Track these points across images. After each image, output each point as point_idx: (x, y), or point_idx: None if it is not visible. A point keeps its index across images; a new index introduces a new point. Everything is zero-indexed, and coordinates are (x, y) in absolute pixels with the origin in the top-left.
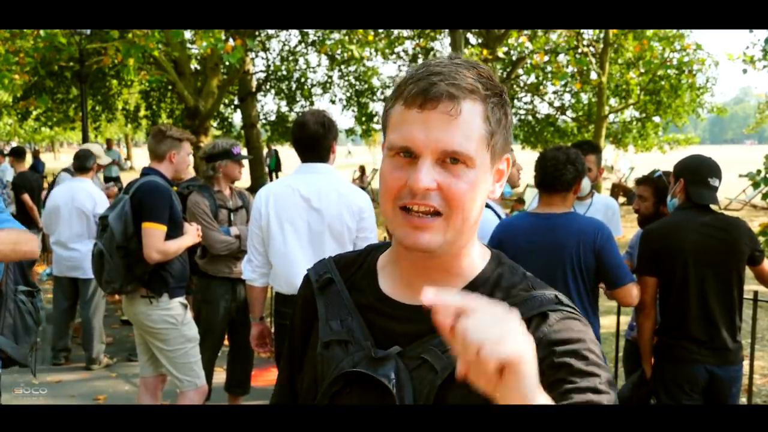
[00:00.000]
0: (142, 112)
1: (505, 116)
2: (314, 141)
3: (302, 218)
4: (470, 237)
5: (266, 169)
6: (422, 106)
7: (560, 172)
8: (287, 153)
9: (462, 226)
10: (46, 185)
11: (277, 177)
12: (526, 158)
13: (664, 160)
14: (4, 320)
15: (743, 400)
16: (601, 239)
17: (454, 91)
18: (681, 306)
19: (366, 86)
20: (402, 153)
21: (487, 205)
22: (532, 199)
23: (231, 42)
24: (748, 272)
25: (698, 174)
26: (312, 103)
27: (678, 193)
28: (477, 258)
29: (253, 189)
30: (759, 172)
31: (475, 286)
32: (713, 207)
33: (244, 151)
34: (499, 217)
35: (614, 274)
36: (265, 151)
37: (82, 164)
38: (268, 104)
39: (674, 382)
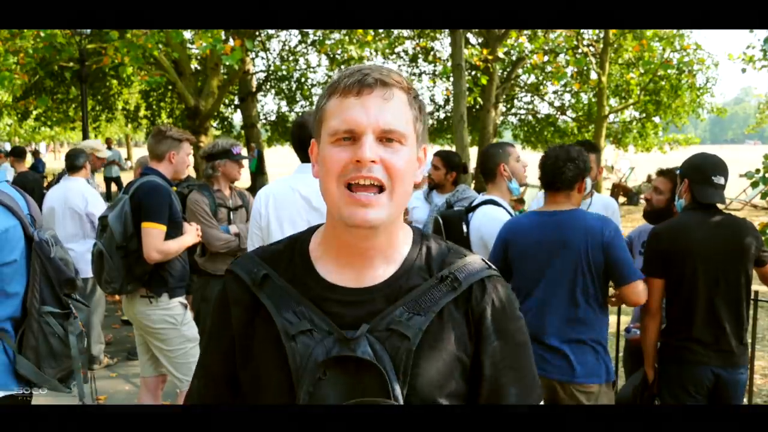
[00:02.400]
0: (142, 112)
1: (423, 107)
2: None
3: (302, 218)
4: (401, 214)
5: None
6: (359, 93)
7: (560, 170)
8: (280, 153)
9: (401, 199)
10: (46, 184)
11: (257, 180)
12: (527, 158)
13: (664, 160)
14: (27, 341)
15: (743, 400)
16: (609, 234)
17: (386, 79)
18: (688, 308)
19: None
20: (344, 137)
21: (500, 204)
22: (532, 198)
23: (231, 42)
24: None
25: (702, 173)
26: (312, 103)
27: (684, 193)
28: (403, 234)
29: (253, 189)
30: (758, 171)
31: (410, 260)
32: (719, 206)
33: (244, 152)
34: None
35: (622, 270)
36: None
37: (72, 163)
38: (268, 104)
39: (679, 384)
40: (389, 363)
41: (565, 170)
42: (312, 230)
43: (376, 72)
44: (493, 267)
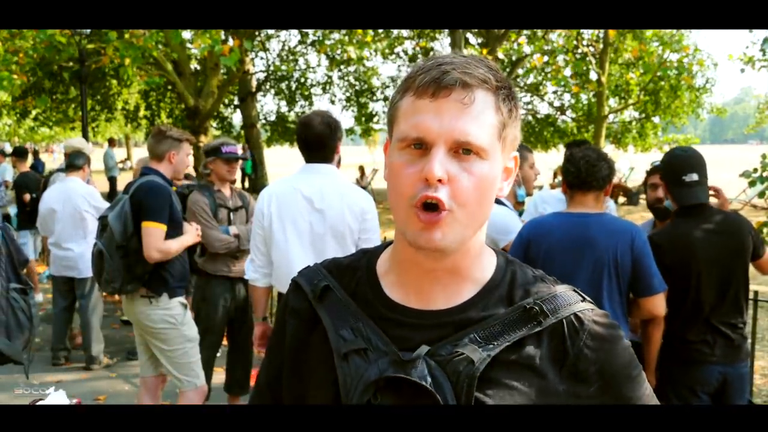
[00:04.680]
0: (142, 112)
1: (516, 108)
2: (320, 141)
3: (304, 219)
4: (480, 236)
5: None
6: (434, 94)
7: (595, 168)
8: (280, 153)
9: (471, 221)
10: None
11: (249, 182)
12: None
13: None
14: None
15: (749, 395)
16: (639, 242)
17: (467, 80)
18: (693, 310)
19: (365, 86)
20: (414, 144)
21: (504, 204)
22: (531, 199)
23: (230, 42)
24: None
25: (672, 173)
26: (311, 104)
27: (667, 194)
28: (486, 259)
29: (252, 189)
30: (755, 170)
31: (491, 287)
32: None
33: (241, 152)
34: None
35: (650, 280)
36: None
37: (71, 162)
38: (268, 104)
39: (685, 384)
40: (450, 391)
41: (600, 169)
42: (385, 245)
43: (457, 69)
44: (588, 298)
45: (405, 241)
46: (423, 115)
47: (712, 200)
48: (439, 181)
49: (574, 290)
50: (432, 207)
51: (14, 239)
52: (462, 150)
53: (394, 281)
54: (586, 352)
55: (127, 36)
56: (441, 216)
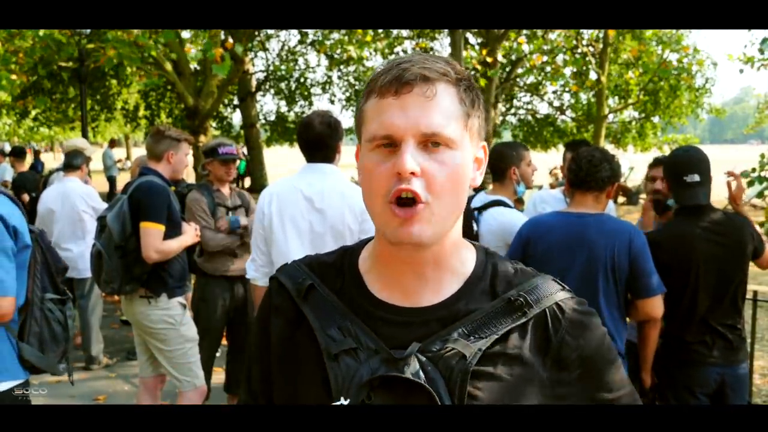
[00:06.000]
0: (141, 112)
1: (478, 99)
2: (321, 141)
3: (304, 218)
4: (457, 227)
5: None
6: (397, 92)
7: (596, 169)
8: (280, 153)
9: (448, 212)
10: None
11: (242, 183)
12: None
13: None
14: (30, 328)
15: (747, 396)
16: (637, 243)
17: (427, 74)
18: (691, 311)
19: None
20: (383, 143)
21: (508, 204)
22: (528, 198)
23: (229, 40)
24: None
25: (673, 173)
26: (311, 104)
27: (669, 192)
28: (465, 251)
29: (253, 189)
30: (753, 170)
31: (473, 281)
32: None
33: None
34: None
35: (647, 282)
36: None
37: (69, 162)
38: (268, 104)
39: (684, 385)
40: (443, 386)
41: (601, 170)
42: (364, 241)
43: (416, 65)
44: (567, 287)
45: (384, 239)
46: (388, 113)
47: (728, 183)
48: (413, 174)
49: (554, 279)
50: (408, 202)
51: (51, 246)
52: (431, 143)
53: (378, 278)
54: (568, 339)
55: (119, 34)
56: (417, 209)
